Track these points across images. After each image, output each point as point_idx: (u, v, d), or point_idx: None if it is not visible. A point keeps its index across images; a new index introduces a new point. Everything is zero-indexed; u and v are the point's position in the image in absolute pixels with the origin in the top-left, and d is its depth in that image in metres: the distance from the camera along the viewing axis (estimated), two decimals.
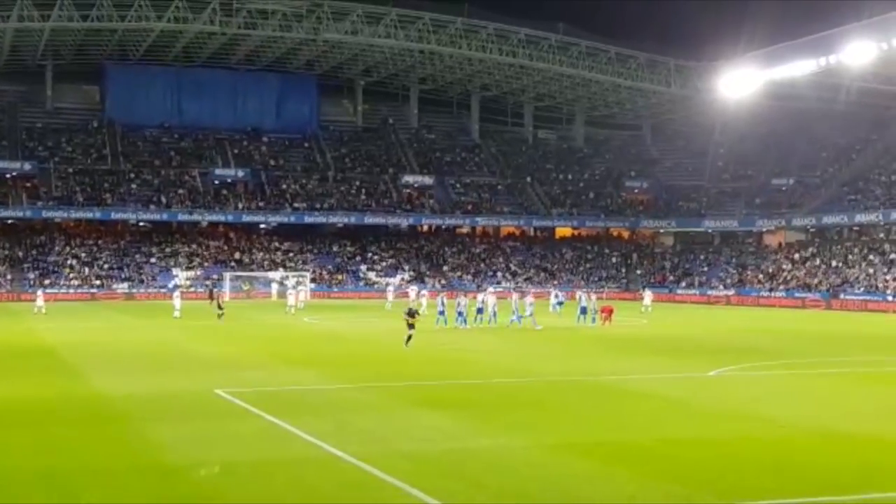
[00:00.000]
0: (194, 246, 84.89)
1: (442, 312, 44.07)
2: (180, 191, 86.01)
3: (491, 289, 55.53)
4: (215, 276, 78.97)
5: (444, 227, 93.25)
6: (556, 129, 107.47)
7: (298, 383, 23.44)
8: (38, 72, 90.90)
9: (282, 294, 75.61)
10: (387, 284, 76.92)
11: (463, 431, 16.84)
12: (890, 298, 67.99)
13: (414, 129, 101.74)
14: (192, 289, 77.24)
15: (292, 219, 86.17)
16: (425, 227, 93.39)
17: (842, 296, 72.07)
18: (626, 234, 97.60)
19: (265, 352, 31.80)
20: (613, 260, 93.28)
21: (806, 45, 72.19)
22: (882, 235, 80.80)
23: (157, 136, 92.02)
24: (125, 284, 78.06)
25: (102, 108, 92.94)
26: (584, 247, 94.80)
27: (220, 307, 48.71)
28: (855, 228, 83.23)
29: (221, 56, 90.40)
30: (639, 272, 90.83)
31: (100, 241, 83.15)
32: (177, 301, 52.52)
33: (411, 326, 32.55)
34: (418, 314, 33.81)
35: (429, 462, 14.10)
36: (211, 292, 74.22)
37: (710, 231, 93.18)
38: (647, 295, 63.24)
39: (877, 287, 71.81)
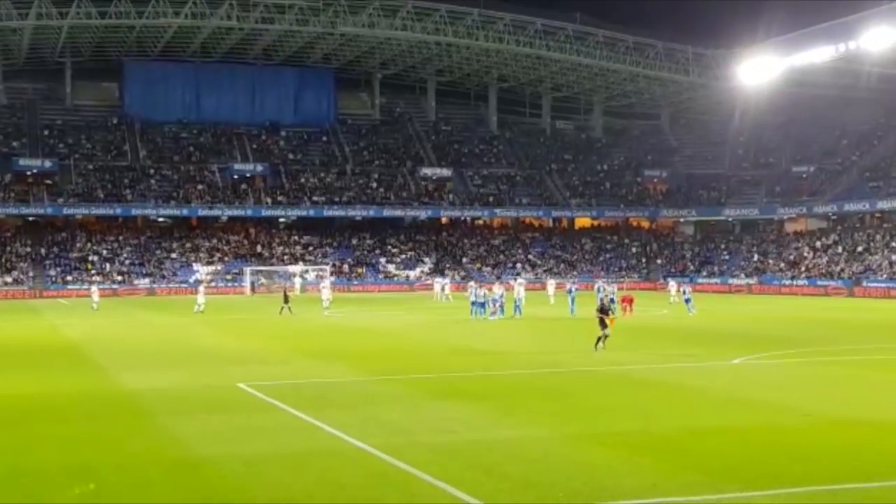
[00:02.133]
0: (214, 241, 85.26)
1: (474, 303, 44.98)
2: (199, 186, 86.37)
3: (521, 280, 55.04)
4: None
5: (462, 219, 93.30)
6: (574, 120, 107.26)
7: (321, 376, 23.51)
8: (58, 69, 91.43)
9: (304, 288, 75.81)
10: (435, 280, 74.63)
11: (486, 422, 16.86)
12: None
13: (431, 121, 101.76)
14: (213, 283, 77.64)
15: (311, 212, 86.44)
16: (444, 220, 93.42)
17: (864, 283, 71.67)
18: (645, 224, 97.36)
19: (287, 346, 31.90)
20: (633, 250, 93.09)
21: (825, 32, 71.75)
22: None
23: (175, 131, 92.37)
24: (147, 280, 78.50)
25: (121, 105, 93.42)
26: (604, 237, 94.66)
27: (286, 300, 49.03)
28: (877, 215, 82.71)
29: (239, 51, 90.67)
30: (659, 262, 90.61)
31: (120, 238, 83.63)
32: (200, 296, 52.69)
33: (605, 325, 28.23)
34: (612, 312, 28.96)
35: (452, 453, 14.13)
36: (252, 285, 75.34)
37: (730, 220, 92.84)
38: (674, 285, 57.50)
39: None
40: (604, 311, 28.54)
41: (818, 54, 73.87)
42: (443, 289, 65.34)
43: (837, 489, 11.92)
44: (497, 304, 44.58)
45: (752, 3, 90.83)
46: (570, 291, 48.57)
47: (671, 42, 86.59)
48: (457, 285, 69.53)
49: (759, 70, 78.28)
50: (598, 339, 27.94)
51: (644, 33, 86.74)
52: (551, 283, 60.55)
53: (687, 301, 48.15)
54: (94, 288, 60.12)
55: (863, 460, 13.63)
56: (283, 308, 47.98)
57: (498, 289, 46.73)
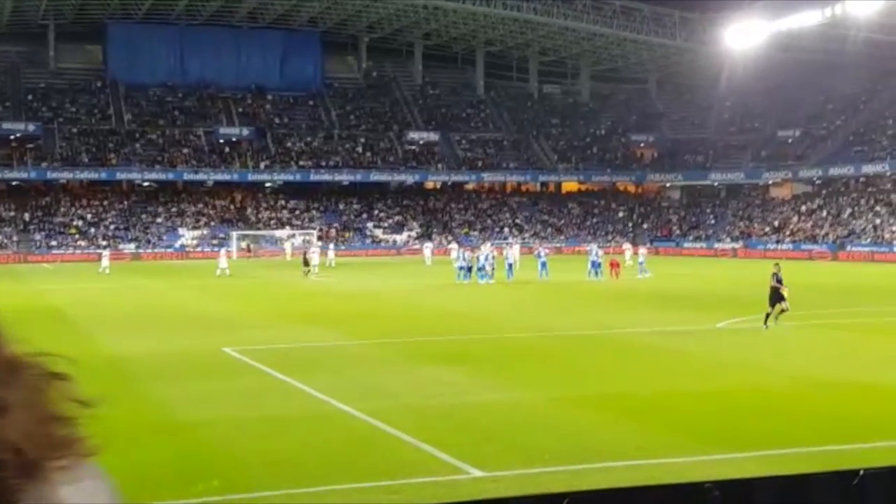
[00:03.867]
0: (200, 205, 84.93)
1: (461, 267, 45.03)
2: (185, 150, 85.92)
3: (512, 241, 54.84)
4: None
5: (450, 183, 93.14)
6: (562, 84, 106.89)
7: (307, 340, 23.50)
8: (40, 32, 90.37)
9: (294, 252, 75.46)
10: (424, 245, 73.91)
11: (472, 386, 16.90)
12: None
13: (419, 85, 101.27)
14: (199, 248, 77.52)
15: (298, 177, 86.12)
16: (431, 184, 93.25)
17: (848, 247, 71.99)
18: (632, 189, 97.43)
19: (274, 310, 31.87)
20: (620, 214, 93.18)
21: None
22: (889, 186, 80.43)
23: (160, 95, 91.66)
24: (132, 244, 78.18)
25: (105, 68, 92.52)
26: (591, 201, 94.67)
27: (306, 263, 49.45)
28: (861, 179, 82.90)
29: (224, 14, 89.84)
30: (645, 226, 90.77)
31: (105, 202, 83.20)
32: (223, 259, 52.56)
33: (782, 298, 24.69)
34: (783, 285, 24.79)
35: (438, 416, 14.16)
36: (248, 247, 75.23)
37: (716, 184, 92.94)
38: (629, 250, 56.11)
39: (883, 238, 71.68)
40: (780, 281, 24.82)
41: (805, 18, 73.74)
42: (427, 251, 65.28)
43: (822, 451, 11.99)
44: (488, 268, 44.62)
45: None
46: (538, 256, 48.51)
47: (658, 6, 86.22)
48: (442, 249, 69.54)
49: (745, 34, 78.11)
50: (768, 315, 24.67)
51: None
52: (515, 248, 59.40)
53: (641, 264, 48.56)
54: (105, 252, 60.25)
55: (847, 422, 13.71)
56: (306, 271, 48.77)
57: (486, 251, 46.77)
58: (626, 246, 57.21)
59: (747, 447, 12.15)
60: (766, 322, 24.65)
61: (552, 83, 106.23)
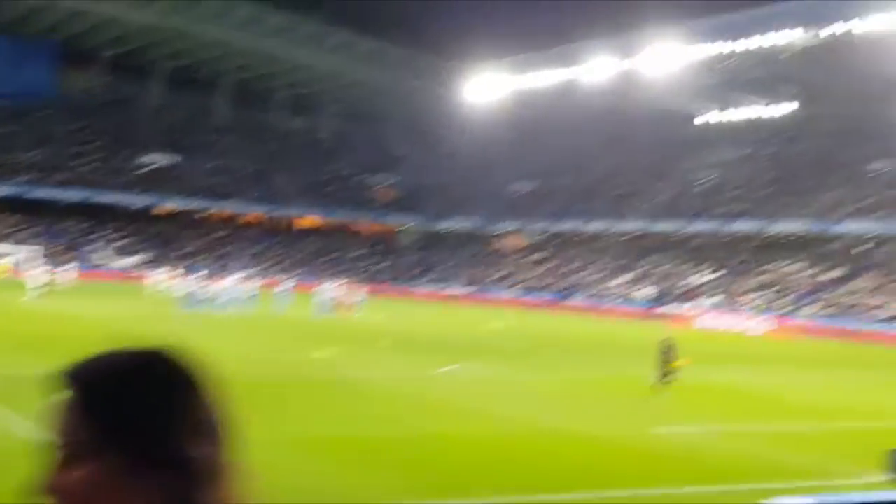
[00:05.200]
0: None
1: (189, 295, 43.92)
2: None
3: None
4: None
5: (184, 209, 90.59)
6: (306, 119, 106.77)
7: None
8: None
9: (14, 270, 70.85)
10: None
11: None
12: (615, 304, 71.81)
13: (159, 106, 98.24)
14: None
15: (20, 191, 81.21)
16: (164, 209, 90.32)
17: (571, 299, 75.44)
18: (370, 229, 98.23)
19: None
20: (356, 253, 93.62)
21: (553, 56, 75.28)
22: (610, 244, 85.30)
23: None
24: None
25: None
26: (328, 238, 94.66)
27: (43, 283, 47.39)
28: (586, 235, 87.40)
29: None
30: (381, 267, 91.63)
31: None
32: (31, 279, 48.38)
33: (669, 372, 23.17)
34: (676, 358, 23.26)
35: None
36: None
37: (451, 230, 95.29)
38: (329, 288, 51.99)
39: (602, 293, 75.69)
40: (670, 354, 23.30)
41: (545, 78, 77.38)
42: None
43: (532, 501, 12.15)
44: (228, 299, 43.70)
45: (490, 22, 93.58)
46: (280, 289, 48.17)
47: (407, 49, 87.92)
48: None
49: (490, 87, 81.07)
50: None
51: (381, 38, 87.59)
52: (246, 278, 56.71)
53: (358, 303, 49.35)
54: None
55: (554, 471, 14.01)
56: (38, 289, 46.69)
57: (227, 283, 45.84)
58: (338, 284, 55.90)
59: (464, 495, 12.15)
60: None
61: (297, 117, 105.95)
